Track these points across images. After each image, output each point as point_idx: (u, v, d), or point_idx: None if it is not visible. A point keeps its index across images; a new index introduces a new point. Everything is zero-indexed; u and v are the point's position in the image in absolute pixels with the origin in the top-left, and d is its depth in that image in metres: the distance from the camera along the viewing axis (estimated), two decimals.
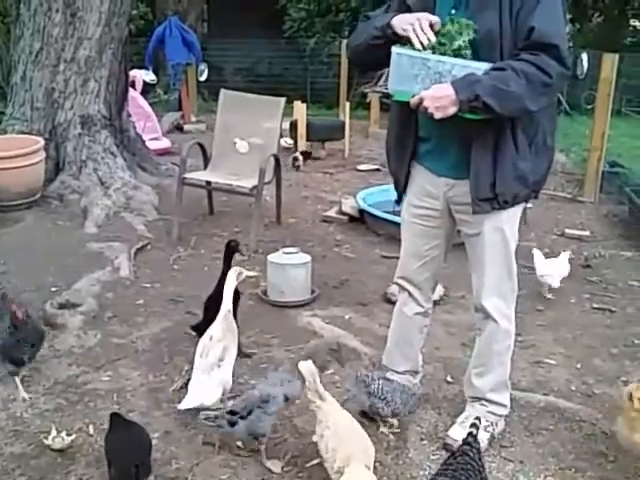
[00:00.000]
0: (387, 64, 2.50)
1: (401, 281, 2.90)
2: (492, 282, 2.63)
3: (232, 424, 2.54)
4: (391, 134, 2.76)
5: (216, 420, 2.60)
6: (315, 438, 2.42)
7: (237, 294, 3.18)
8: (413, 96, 2.32)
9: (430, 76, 2.30)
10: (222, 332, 2.84)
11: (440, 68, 2.28)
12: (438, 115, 2.28)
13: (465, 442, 2.14)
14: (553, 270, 4.31)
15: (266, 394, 2.56)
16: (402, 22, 2.35)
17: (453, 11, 2.40)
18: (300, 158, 7.87)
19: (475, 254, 2.66)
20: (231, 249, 3.53)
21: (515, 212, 2.60)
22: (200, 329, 3.12)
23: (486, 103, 2.23)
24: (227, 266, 3.34)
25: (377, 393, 2.74)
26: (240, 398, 2.68)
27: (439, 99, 2.26)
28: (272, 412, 2.55)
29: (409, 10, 2.44)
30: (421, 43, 2.30)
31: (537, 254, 4.40)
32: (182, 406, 2.69)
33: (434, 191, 2.65)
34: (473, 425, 2.18)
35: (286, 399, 2.59)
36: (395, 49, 2.34)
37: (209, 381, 2.74)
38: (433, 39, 2.31)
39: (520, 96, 2.25)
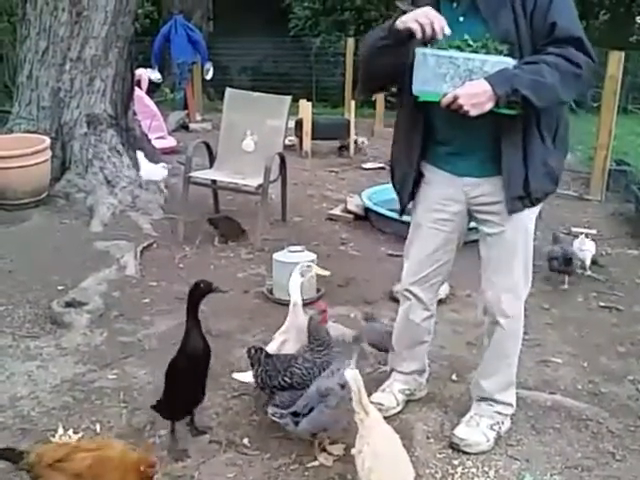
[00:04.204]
0: (395, 76, 2.50)
1: (411, 287, 2.81)
2: (512, 282, 2.61)
3: (297, 424, 2.52)
4: (398, 143, 2.71)
5: (282, 418, 2.57)
6: (354, 451, 2.30)
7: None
8: (444, 95, 2.27)
9: (459, 74, 2.25)
10: (287, 325, 2.93)
11: (470, 65, 2.24)
12: (474, 112, 2.24)
13: None
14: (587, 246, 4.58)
15: (324, 389, 2.50)
16: (408, 17, 2.31)
17: (462, 18, 2.38)
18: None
19: (495, 253, 2.61)
20: (200, 291, 2.67)
21: (537, 210, 2.59)
22: (161, 409, 2.63)
23: (525, 96, 2.21)
24: (194, 313, 2.62)
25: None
26: (301, 397, 2.60)
27: (475, 96, 2.22)
28: (333, 405, 2.47)
29: None
30: (428, 35, 2.25)
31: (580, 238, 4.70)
32: (236, 376, 2.94)
33: (454, 193, 2.61)
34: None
35: (342, 387, 2.45)
36: (420, 49, 2.29)
37: None
38: (448, 31, 2.26)
39: (555, 88, 2.25)
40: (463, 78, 2.25)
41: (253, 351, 2.78)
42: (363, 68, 2.64)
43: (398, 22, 2.32)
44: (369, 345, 3.21)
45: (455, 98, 2.24)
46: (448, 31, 2.28)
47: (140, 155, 5.42)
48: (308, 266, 3.23)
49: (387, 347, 3.10)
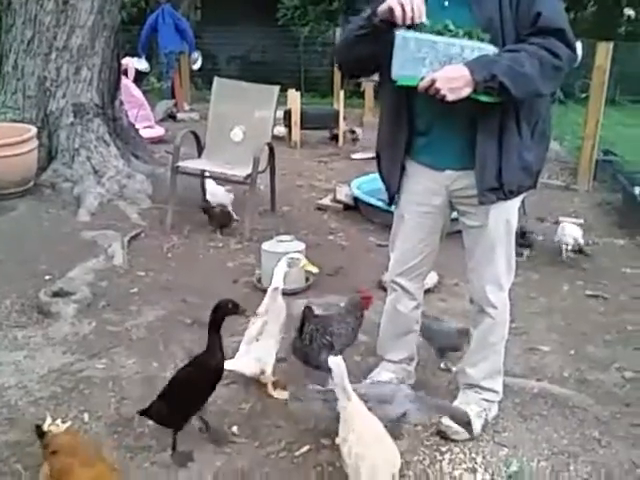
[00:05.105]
0: (373, 64, 2.49)
1: (397, 278, 2.84)
2: (495, 273, 2.63)
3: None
4: (383, 132, 2.69)
5: (322, 394, 2.57)
6: (338, 440, 2.31)
7: None
8: (422, 79, 2.24)
9: (439, 59, 2.22)
10: (265, 308, 2.98)
11: (450, 50, 2.22)
12: (451, 97, 2.21)
13: None
14: (572, 231, 4.75)
15: (389, 389, 2.55)
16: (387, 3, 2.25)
17: (447, 3, 2.36)
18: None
19: (477, 245, 2.62)
20: (225, 312, 2.56)
21: (517, 202, 2.60)
22: (150, 413, 2.57)
23: (502, 83, 2.19)
24: (216, 330, 2.53)
25: None
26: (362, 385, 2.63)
27: (453, 80, 2.19)
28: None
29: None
30: (408, 15, 2.20)
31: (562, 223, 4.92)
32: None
33: (436, 187, 2.60)
34: None
35: (400, 416, 2.52)
36: (400, 32, 2.25)
37: (247, 352, 2.95)
38: (424, 19, 2.24)
39: (534, 78, 2.23)
40: (442, 63, 2.22)
41: (307, 310, 3.01)
42: (340, 60, 2.67)
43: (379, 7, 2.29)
44: (439, 348, 3.20)
45: (432, 82, 2.21)
46: (425, 19, 2.25)
47: (210, 182, 5.40)
48: (297, 259, 3.22)
49: (458, 347, 3.11)
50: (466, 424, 2.53)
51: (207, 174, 5.45)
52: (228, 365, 2.83)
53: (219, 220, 5.11)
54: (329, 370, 2.43)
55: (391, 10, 2.23)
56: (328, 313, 3.27)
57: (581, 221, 5.55)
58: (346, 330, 2.98)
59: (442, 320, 3.29)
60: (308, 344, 2.94)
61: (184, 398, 2.49)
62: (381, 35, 2.33)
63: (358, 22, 2.43)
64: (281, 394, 2.95)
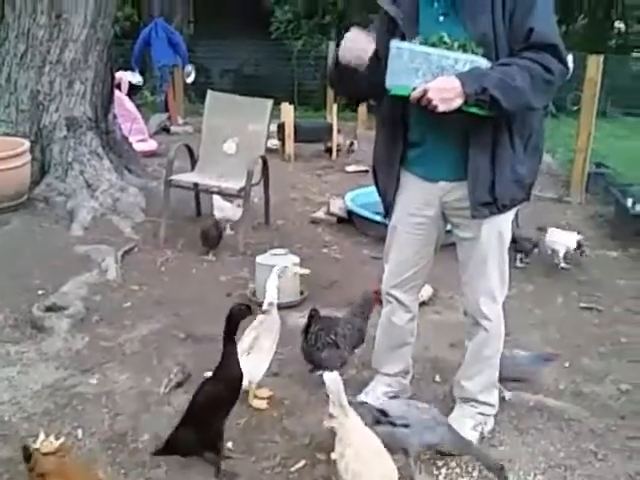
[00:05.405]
0: (364, 89, 2.56)
1: (391, 290, 2.84)
2: (488, 286, 2.63)
3: (377, 422, 2.46)
4: (379, 145, 2.71)
5: (362, 407, 2.51)
6: (334, 456, 2.29)
7: None
8: (414, 89, 2.26)
9: (432, 70, 2.24)
10: (258, 322, 2.96)
11: (443, 62, 2.24)
12: (442, 108, 2.23)
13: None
14: (560, 238, 4.85)
15: (432, 416, 2.50)
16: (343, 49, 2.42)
17: (442, 18, 2.38)
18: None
19: (470, 258, 2.63)
20: (238, 316, 2.54)
21: (510, 215, 2.60)
22: (175, 448, 2.48)
23: (493, 96, 2.21)
24: (231, 338, 2.49)
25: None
26: (404, 406, 2.58)
27: (445, 91, 2.21)
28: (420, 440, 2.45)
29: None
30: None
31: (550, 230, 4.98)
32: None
33: (429, 197, 2.61)
34: None
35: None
36: (395, 43, 2.29)
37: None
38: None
39: (525, 92, 2.25)
40: (435, 75, 2.24)
41: (313, 312, 3.15)
42: (335, 89, 2.87)
43: (339, 56, 2.43)
44: (507, 380, 3.05)
45: (424, 92, 2.23)
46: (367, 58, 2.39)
47: (217, 198, 5.31)
48: (285, 267, 3.24)
49: (528, 378, 3.13)
50: (499, 470, 2.44)
51: (201, 187, 5.45)
52: None
53: (212, 242, 4.97)
54: (331, 368, 2.66)
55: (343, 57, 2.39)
56: (334, 315, 3.36)
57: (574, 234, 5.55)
58: (351, 331, 3.09)
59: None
60: (313, 344, 3.08)
61: (214, 416, 2.44)
62: (357, 72, 2.44)
63: (331, 67, 2.55)
64: (260, 404, 2.97)
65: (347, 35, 2.41)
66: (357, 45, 2.40)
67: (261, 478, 2.51)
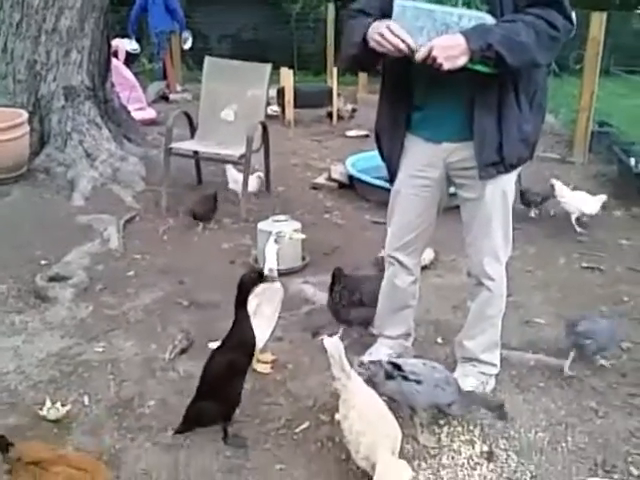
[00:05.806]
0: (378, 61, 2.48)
1: (394, 253, 2.84)
2: (492, 245, 2.63)
3: (389, 376, 2.47)
4: (382, 110, 2.68)
5: (371, 367, 2.52)
6: (338, 417, 2.31)
7: None
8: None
9: (436, 28, 2.21)
10: (261, 289, 2.94)
11: (447, 19, 2.21)
12: (447, 65, 2.20)
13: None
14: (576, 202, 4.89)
15: (444, 376, 2.51)
16: (373, 33, 2.28)
17: None
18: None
19: (474, 218, 2.63)
20: (250, 283, 2.57)
21: (514, 175, 2.59)
22: (198, 421, 2.54)
23: (498, 52, 2.18)
24: (243, 305, 2.53)
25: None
26: (419, 364, 2.57)
27: (450, 48, 2.18)
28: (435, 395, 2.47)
29: None
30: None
31: (558, 185, 5.01)
32: (213, 345, 2.77)
33: (434, 159, 2.60)
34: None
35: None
36: (398, 1, 2.25)
37: None
38: (410, 43, 2.23)
39: (530, 48, 2.22)
40: (439, 32, 2.21)
41: (337, 271, 3.22)
42: (344, 65, 2.74)
43: (369, 37, 2.29)
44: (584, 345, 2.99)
45: (430, 50, 2.20)
46: (414, 45, 2.23)
47: (230, 168, 5.22)
48: (280, 231, 3.21)
49: (608, 346, 3.05)
50: (497, 408, 2.50)
51: (201, 155, 5.43)
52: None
53: (202, 217, 4.82)
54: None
55: (379, 43, 2.26)
56: (358, 273, 3.45)
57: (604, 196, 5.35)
58: (376, 286, 3.06)
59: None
60: (338, 301, 3.19)
61: (230, 384, 2.45)
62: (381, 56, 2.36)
63: (355, 39, 2.38)
64: (264, 368, 3.00)
65: (392, 25, 2.24)
66: (397, 43, 2.24)
67: (266, 440, 2.54)
